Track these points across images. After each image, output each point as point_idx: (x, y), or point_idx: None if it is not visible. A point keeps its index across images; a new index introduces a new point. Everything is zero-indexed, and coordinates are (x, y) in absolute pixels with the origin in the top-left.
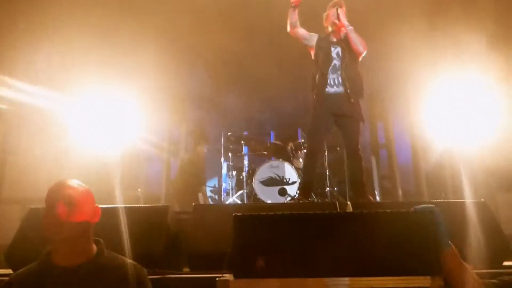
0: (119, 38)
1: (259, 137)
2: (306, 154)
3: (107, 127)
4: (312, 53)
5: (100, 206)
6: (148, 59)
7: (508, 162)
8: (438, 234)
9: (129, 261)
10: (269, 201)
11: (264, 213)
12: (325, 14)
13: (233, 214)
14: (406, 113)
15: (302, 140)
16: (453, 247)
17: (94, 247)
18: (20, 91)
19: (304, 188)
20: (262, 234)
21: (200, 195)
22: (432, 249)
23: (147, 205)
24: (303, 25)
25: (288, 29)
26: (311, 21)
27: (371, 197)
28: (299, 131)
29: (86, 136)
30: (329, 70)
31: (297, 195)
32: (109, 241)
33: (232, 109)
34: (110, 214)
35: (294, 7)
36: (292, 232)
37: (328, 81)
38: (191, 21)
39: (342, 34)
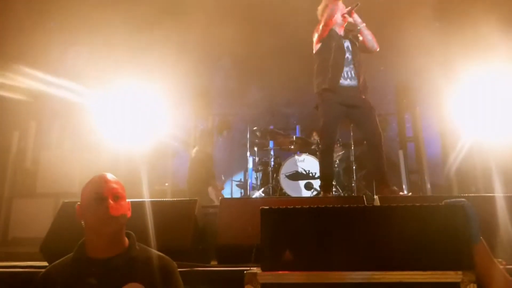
0: (146, 33)
1: (284, 131)
2: (322, 149)
3: (135, 122)
4: (318, 45)
5: (130, 200)
6: (174, 54)
7: None
8: (469, 229)
9: (159, 253)
10: (295, 195)
11: (291, 207)
12: (322, 5)
13: (261, 208)
14: (434, 106)
15: None
16: (484, 242)
17: (126, 240)
18: (52, 87)
19: (326, 185)
20: (289, 228)
21: (210, 189)
22: (463, 244)
23: (175, 199)
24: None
25: (326, 21)
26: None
27: (396, 188)
28: None
29: (115, 131)
30: (344, 63)
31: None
32: (139, 234)
33: (257, 104)
34: (139, 208)
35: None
36: (319, 225)
37: (343, 74)
38: (216, 15)
39: (344, 30)
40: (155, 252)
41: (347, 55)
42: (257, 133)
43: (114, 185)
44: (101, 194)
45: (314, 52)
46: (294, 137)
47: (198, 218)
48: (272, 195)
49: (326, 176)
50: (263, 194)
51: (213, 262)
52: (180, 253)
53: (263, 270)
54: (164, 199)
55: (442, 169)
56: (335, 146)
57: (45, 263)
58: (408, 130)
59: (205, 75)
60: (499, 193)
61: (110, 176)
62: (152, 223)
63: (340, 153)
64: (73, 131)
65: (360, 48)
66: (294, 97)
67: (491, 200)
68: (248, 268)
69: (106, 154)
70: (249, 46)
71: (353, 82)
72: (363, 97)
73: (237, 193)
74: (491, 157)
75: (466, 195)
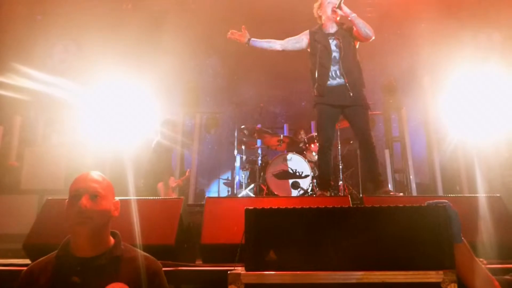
0: (135, 30)
1: (272, 130)
2: (318, 149)
3: (122, 119)
4: (305, 45)
5: (117, 198)
6: (163, 51)
7: None
8: (450, 229)
9: (143, 253)
10: (281, 194)
11: (276, 207)
12: (318, 3)
13: (245, 208)
14: (420, 106)
15: (315, 134)
16: (465, 242)
17: (111, 239)
18: (37, 82)
19: (322, 182)
20: (273, 228)
21: (160, 185)
22: (445, 244)
23: (160, 198)
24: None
25: (279, 49)
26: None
27: (389, 189)
28: (313, 124)
29: (102, 127)
30: (330, 63)
31: (310, 189)
32: (124, 233)
33: (245, 102)
34: (125, 206)
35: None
36: (303, 225)
37: (330, 74)
38: (205, 13)
39: (337, 24)
40: (140, 252)
41: (334, 54)
42: (245, 132)
43: (94, 184)
44: (78, 192)
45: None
46: (282, 136)
47: (184, 216)
48: (259, 194)
49: (321, 174)
50: (250, 193)
51: (198, 261)
52: (165, 251)
53: (246, 270)
54: (150, 198)
55: (427, 168)
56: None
57: (27, 261)
58: (394, 130)
59: (193, 73)
60: (482, 193)
61: (93, 174)
62: (137, 221)
63: None
64: (59, 126)
65: (356, 38)
66: (282, 96)
67: (475, 201)
68: (232, 268)
69: (92, 150)
70: (237, 44)
71: (342, 80)
72: (355, 94)
73: (224, 191)
74: (475, 156)
75: (450, 195)
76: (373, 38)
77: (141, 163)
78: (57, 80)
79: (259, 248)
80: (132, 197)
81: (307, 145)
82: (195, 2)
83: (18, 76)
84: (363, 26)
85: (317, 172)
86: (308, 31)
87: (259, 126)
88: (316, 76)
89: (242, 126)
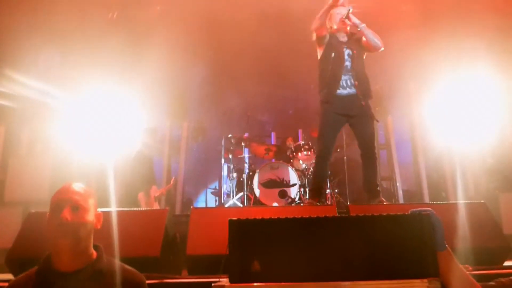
0: (120, 39)
1: (259, 138)
2: (317, 157)
3: (108, 128)
4: (320, 51)
5: (100, 210)
6: (148, 59)
7: (510, 162)
8: (434, 237)
9: (127, 266)
10: (269, 203)
11: (260, 218)
12: (320, 15)
13: (229, 219)
14: (406, 114)
15: (303, 142)
16: (449, 249)
17: (94, 252)
18: (22, 90)
19: (315, 191)
20: (258, 239)
21: (140, 195)
22: (428, 252)
23: (145, 209)
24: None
25: (316, 26)
26: None
27: (383, 199)
28: (300, 133)
29: (88, 137)
30: (342, 71)
31: (297, 197)
32: (107, 246)
33: (233, 110)
34: (108, 218)
35: (333, 6)
36: (288, 236)
37: (341, 83)
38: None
39: (346, 34)
40: (123, 265)
41: (346, 63)
42: (232, 140)
43: (75, 196)
44: (59, 204)
45: (318, 58)
46: (269, 144)
47: (169, 227)
48: (246, 203)
49: (315, 181)
50: (237, 202)
51: (184, 273)
52: (150, 263)
53: (231, 282)
54: (135, 209)
55: (414, 175)
56: (310, 153)
57: (10, 276)
58: (381, 138)
59: (180, 82)
60: (467, 199)
61: (75, 186)
62: (121, 233)
63: (314, 161)
64: (43, 136)
65: (365, 49)
66: (270, 104)
67: (460, 207)
68: (217, 280)
69: (78, 160)
70: (224, 53)
71: (353, 90)
72: (363, 103)
73: (211, 201)
74: (460, 163)
75: (435, 202)
76: (382, 48)
77: (125, 173)
78: (42, 88)
79: (244, 260)
80: (116, 208)
81: (294, 153)
82: (181, 12)
83: (2, 83)
84: (372, 37)
85: (305, 180)
86: (328, 33)
87: (246, 134)
88: (327, 85)
89: (229, 135)
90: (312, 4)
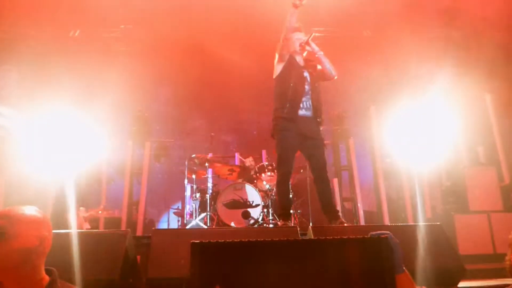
0: (82, 57)
1: (223, 159)
2: (278, 179)
3: (68, 148)
4: (280, 67)
5: (55, 231)
6: (111, 78)
7: (464, 185)
8: (392, 260)
9: None
10: (232, 224)
11: (222, 240)
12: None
13: (191, 242)
14: (367, 135)
15: (266, 163)
16: (407, 272)
17: (46, 277)
18: None
19: (285, 213)
20: (220, 262)
21: (67, 216)
22: (387, 275)
23: (105, 230)
24: None
25: (286, 32)
26: None
27: (343, 220)
28: (264, 153)
29: (45, 157)
30: (303, 93)
31: (260, 218)
32: (64, 269)
33: (197, 131)
34: (66, 240)
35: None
36: (250, 259)
37: (301, 104)
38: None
39: (304, 60)
40: None
41: (306, 85)
42: (196, 161)
43: (2, 220)
44: None
45: (274, 76)
46: (233, 165)
47: (129, 249)
48: (209, 224)
49: (282, 205)
50: (200, 223)
51: None
52: (109, 286)
53: None
54: (94, 230)
55: (374, 196)
56: (274, 174)
57: None
58: (343, 159)
59: (144, 101)
60: (425, 220)
61: (10, 209)
62: (79, 256)
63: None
64: None
65: (319, 76)
66: (234, 125)
67: (415, 229)
68: None
69: (34, 182)
70: (188, 73)
71: (308, 113)
72: (317, 128)
73: (174, 221)
74: (418, 185)
75: (394, 224)
76: (336, 77)
77: (84, 194)
78: None
79: (205, 283)
80: (75, 230)
81: (258, 174)
82: (146, 32)
83: None
84: (328, 65)
85: (268, 201)
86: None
87: (210, 155)
88: (289, 102)
89: (193, 155)
90: (277, 26)
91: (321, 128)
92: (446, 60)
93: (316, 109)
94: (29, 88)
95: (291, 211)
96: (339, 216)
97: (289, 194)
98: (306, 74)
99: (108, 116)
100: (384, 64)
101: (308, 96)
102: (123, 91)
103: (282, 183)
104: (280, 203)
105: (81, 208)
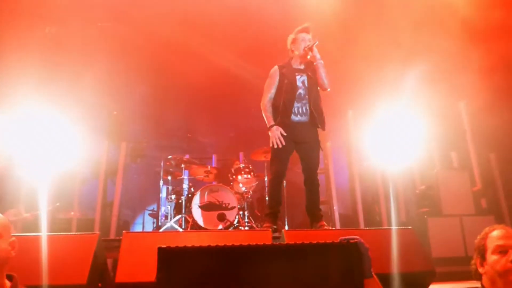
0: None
1: (200, 161)
2: (272, 180)
3: (39, 147)
4: (274, 89)
5: (21, 234)
6: (87, 78)
7: (437, 188)
8: (361, 265)
9: None
10: (207, 226)
11: (191, 246)
12: (292, 37)
13: (158, 247)
14: (344, 140)
15: (243, 165)
16: (375, 277)
17: (7, 283)
18: None
19: (274, 215)
20: (188, 268)
21: None
22: (356, 280)
23: (73, 233)
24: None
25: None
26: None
27: (325, 223)
28: (241, 156)
29: (19, 159)
30: (294, 99)
31: (236, 221)
32: (28, 274)
33: (173, 132)
34: (32, 243)
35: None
36: (220, 265)
37: (293, 110)
38: (134, 39)
39: (305, 63)
40: None
41: (300, 91)
42: (172, 162)
43: None
44: None
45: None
46: (209, 166)
47: (99, 253)
48: (184, 226)
49: (273, 205)
50: (174, 225)
51: None
52: None
53: None
54: (62, 233)
55: (350, 200)
56: (251, 176)
57: None
58: (320, 162)
59: (120, 101)
60: (398, 224)
61: None
62: (46, 260)
63: (253, 184)
64: None
65: (318, 80)
66: (211, 127)
67: (387, 233)
68: None
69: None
70: (165, 74)
71: (304, 118)
72: (312, 132)
73: (149, 223)
74: (393, 188)
75: (366, 228)
76: (328, 90)
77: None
78: None
79: None
80: (42, 233)
81: (234, 176)
82: (123, 30)
83: None
84: (324, 75)
85: (244, 203)
86: (276, 67)
87: (187, 156)
88: (280, 112)
89: (169, 156)
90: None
91: (317, 130)
92: (421, 66)
93: (314, 114)
94: (3, 86)
95: (262, 214)
96: (321, 218)
97: (279, 194)
98: (303, 78)
99: (83, 115)
100: (362, 69)
101: (303, 102)
102: (98, 90)
103: (271, 183)
104: (268, 202)
105: (11, 209)
